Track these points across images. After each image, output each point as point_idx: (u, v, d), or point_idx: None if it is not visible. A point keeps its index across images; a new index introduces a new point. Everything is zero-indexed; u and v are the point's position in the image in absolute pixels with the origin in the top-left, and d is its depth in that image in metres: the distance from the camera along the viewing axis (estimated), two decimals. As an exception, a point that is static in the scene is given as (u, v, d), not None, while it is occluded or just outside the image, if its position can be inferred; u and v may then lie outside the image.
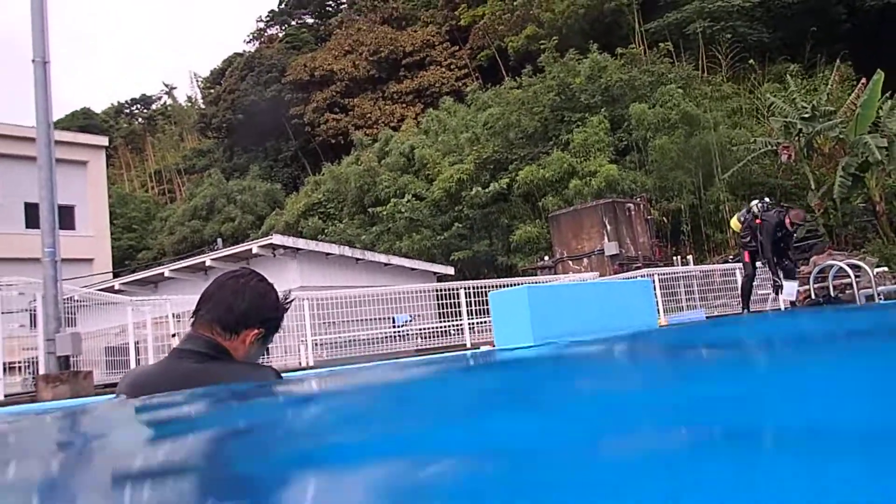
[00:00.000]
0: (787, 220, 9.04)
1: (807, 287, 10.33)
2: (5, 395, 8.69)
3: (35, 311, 8.75)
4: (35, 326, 8.83)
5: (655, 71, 29.00)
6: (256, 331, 1.74)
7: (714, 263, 19.12)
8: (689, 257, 20.45)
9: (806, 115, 20.26)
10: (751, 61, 28.85)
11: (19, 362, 10.47)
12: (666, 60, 30.13)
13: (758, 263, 9.61)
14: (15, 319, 10.07)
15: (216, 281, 1.80)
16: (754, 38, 30.19)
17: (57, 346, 7.84)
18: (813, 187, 20.71)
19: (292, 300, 1.87)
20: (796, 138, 20.66)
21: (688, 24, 30.92)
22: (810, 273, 10.53)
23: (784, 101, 21.94)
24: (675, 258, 20.21)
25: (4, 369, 9.05)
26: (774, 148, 21.10)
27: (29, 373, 10.41)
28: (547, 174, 25.12)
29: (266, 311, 1.78)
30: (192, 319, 1.76)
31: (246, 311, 1.72)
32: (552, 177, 25.03)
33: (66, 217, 22.07)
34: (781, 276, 9.17)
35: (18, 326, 10.15)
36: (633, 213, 20.59)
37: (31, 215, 19.51)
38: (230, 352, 1.71)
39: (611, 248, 19.51)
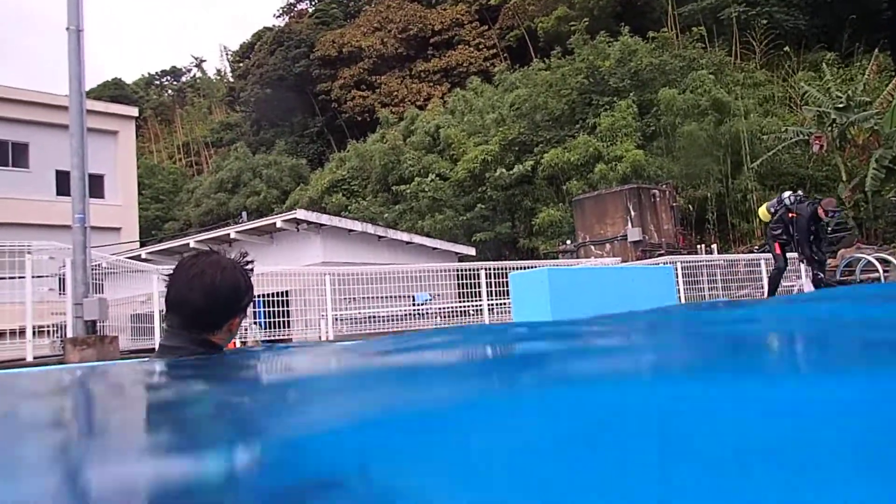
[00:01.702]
0: (821, 210, 8.86)
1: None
2: (34, 357, 8.93)
3: (64, 276, 8.93)
4: (64, 291, 9.02)
5: (687, 56, 28.52)
6: (238, 319, 1.77)
7: (739, 253, 18.91)
8: (714, 246, 20.24)
9: (840, 105, 19.84)
10: (786, 48, 28.21)
11: (48, 326, 10.72)
12: (698, 45, 29.61)
13: (788, 254, 9.47)
14: (45, 284, 10.29)
15: (181, 282, 1.70)
16: (790, 24, 29.50)
17: (84, 310, 8.02)
18: (844, 179, 20.33)
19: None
20: (829, 128, 20.25)
21: (722, 9, 30.29)
22: (837, 266, 10.40)
23: (818, 91, 21.49)
24: (699, 246, 20.01)
25: (34, 332, 9.28)
26: (806, 138, 20.71)
27: (57, 336, 10.66)
28: (572, 158, 24.93)
29: (242, 300, 1.76)
30: (165, 317, 1.72)
31: (224, 310, 1.72)
32: (577, 160, 24.84)
33: (95, 186, 22.45)
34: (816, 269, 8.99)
35: (48, 290, 10.38)
36: (658, 199, 20.39)
37: (62, 183, 19.84)
38: (216, 343, 1.73)
39: (634, 234, 19.37)
